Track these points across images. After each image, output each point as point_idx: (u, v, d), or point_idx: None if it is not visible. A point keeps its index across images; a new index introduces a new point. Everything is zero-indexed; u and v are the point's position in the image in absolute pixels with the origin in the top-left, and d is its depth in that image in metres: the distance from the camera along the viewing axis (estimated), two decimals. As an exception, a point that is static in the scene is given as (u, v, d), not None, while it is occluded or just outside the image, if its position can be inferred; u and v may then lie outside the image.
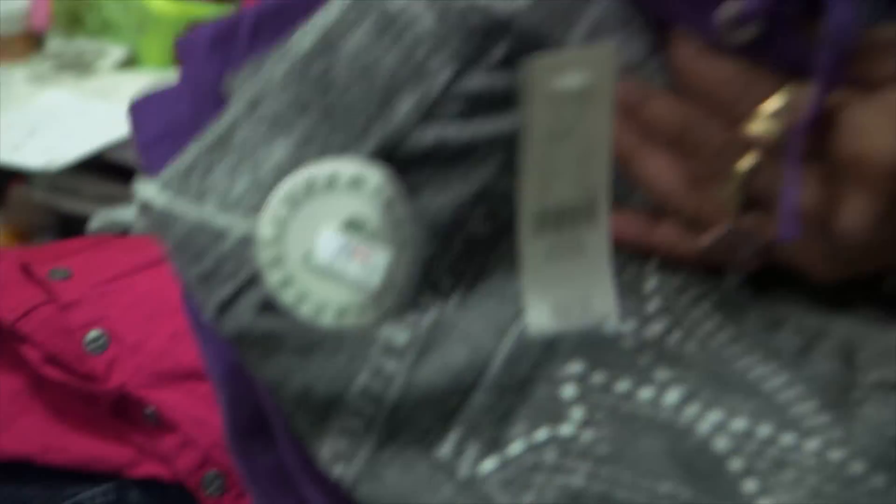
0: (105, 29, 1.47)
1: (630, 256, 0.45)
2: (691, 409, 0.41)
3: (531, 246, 0.40)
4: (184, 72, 0.50)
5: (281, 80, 0.42)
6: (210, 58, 0.49)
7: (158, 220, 0.43)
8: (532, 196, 0.39)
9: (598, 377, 0.42)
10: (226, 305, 0.43)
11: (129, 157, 1.09)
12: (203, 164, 0.43)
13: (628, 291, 0.44)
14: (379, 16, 0.42)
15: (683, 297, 0.44)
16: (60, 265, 0.89)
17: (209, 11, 1.51)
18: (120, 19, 1.46)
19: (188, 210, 0.43)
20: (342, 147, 0.42)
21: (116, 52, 1.44)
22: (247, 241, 0.42)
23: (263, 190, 0.42)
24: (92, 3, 1.47)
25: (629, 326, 0.43)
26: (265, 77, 0.43)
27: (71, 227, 1.14)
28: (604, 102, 0.38)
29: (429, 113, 0.43)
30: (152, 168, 0.48)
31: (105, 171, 1.16)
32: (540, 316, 0.40)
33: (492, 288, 0.44)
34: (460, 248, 0.44)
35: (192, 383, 0.83)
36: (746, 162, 0.42)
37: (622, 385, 0.42)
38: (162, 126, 0.49)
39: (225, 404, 0.50)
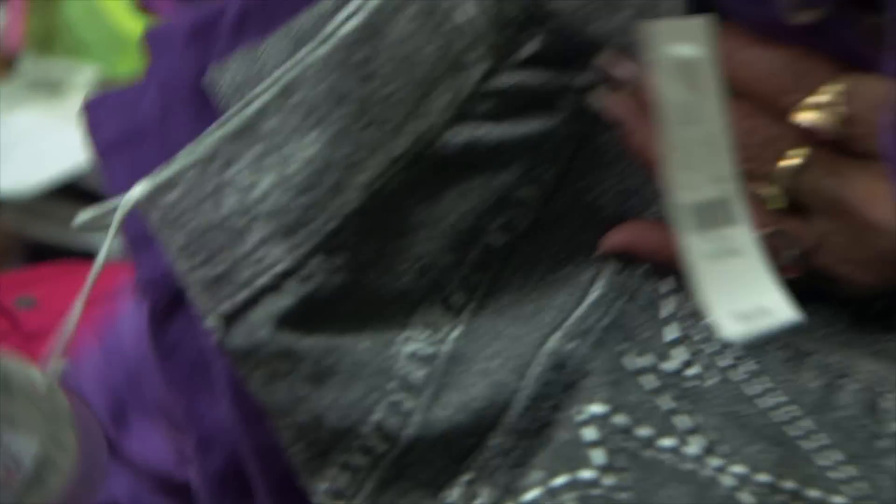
0: (78, 50, 1.46)
1: (644, 276, 0.42)
2: (714, 461, 0.39)
3: (695, 247, 0.37)
4: (152, 66, 0.46)
5: (320, 66, 0.38)
6: (186, 52, 0.44)
7: (165, 218, 0.39)
8: (681, 188, 0.37)
9: (619, 419, 0.40)
10: (237, 315, 0.39)
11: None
12: (224, 154, 0.38)
13: (644, 319, 0.42)
14: (424, 1, 0.39)
15: (700, 324, 0.42)
16: (27, 293, 0.87)
17: (183, 32, 1.50)
18: (93, 40, 1.44)
19: (204, 206, 0.38)
20: (374, 146, 0.39)
21: (88, 72, 1.43)
22: (268, 243, 0.39)
23: (291, 190, 0.38)
24: (65, 23, 1.46)
25: (648, 360, 0.41)
26: (301, 61, 0.39)
27: (41, 253, 1.13)
28: (717, 79, 0.36)
29: (461, 112, 0.40)
30: (114, 176, 0.45)
31: (77, 196, 1.14)
32: (727, 325, 0.38)
33: (504, 307, 0.42)
34: (475, 261, 0.42)
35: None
36: (794, 158, 0.39)
37: (643, 431, 0.40)
38: (123, 128, 0.45)
39: (197, 449, 0.47)
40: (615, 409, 0.40)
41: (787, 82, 0.39)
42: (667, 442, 0.40)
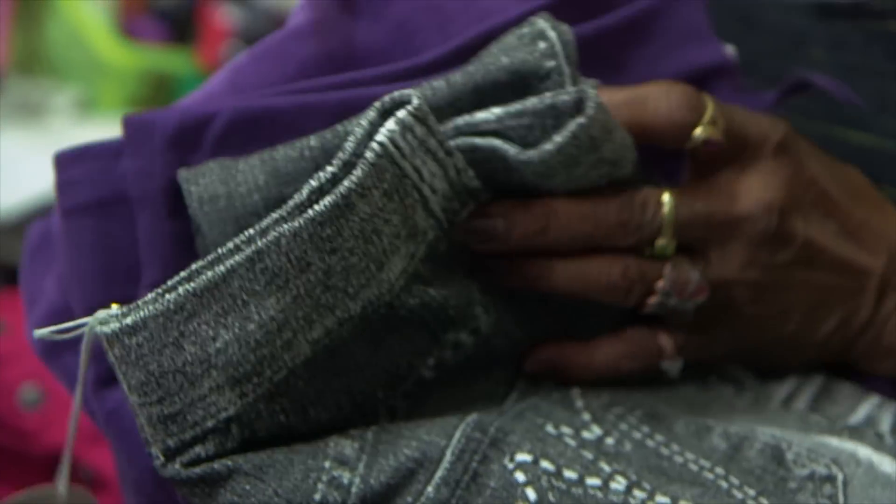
0: (60, 72, 1.46)
1: (556, 385, 0.46)
2: (640, 494, 0.42)
3: None
4: (129, 163, 0.46)
5: (290, 238, 0.40)
6: (163, 155, 0.45)
7: (125, 357, 0.40)
8: None
9: (546, 464, 0.42)
10: (181, 450, 0.41)
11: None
12: (189, 308, 0.40)
13: (560, 408, 0.45)
14: (394, 176, 0.41)
15: (610, 413, 0.45)
16: (-4, 318, 0.87)
17: (162, 58, 1.50)
18: (74, 63, 1.45)
19: (164, 352, 0.40)
20: (329, 308, 0.41)
21: (70, 94, 1.43)
22: (221, 391, 0.41)
23: (248, 345, 0.40)
24: (47, 46, 1.47)
25: (567, 430, 0.44)
26: (268, 230, 0.40)
27: (14, 277, 1.12)
28: None
29: (414, 275, 0.43)
30: (71, 235, 0.46)
31: (53, 218, 1.14)
32: None
33: (430, 412, 0.44)
34: (405, 390, 0.44)
35: (127, 443, 0.80)
36: (663, 202, 0.45)
37: (570, 473, 0.42)
38: (91, 198, 0.46)
39: None
40: (541, 457, 0.42)
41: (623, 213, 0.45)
42: (593, 481, 0.42)
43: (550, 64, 0.44)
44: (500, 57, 0.44)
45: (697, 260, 0.46)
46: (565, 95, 0.42)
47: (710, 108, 0.45)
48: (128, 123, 0.45)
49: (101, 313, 0.41)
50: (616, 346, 0.46)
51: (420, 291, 0.43)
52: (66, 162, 0.47)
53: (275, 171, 0.44)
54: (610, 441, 0.44)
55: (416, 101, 0.41)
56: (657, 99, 0.45)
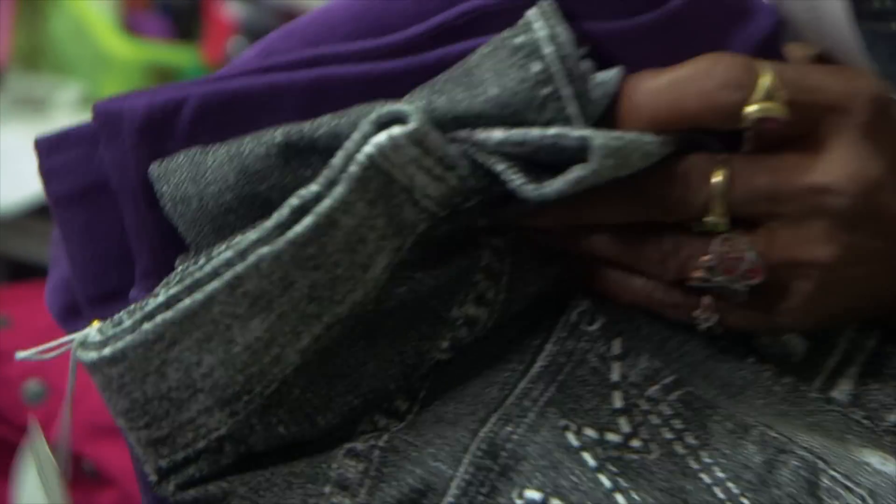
0: (63, 67, 1.46)
1: (595, 337, 0.44)
2: None
3: None
4: (105, 154, 0.43)
5: (269, 261, 0.38)
6: (136, 148, 0.42)
7: (108, 385, 0.39)
8: None
9: (556, 503, 0.40)
10: (175, 469, 0.40)
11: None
12: (169, 336, 0.38)
13: (593, 384, 0.43)
14: (380, 184, 0.39)
15: (644, 395, 0.43)
16: (1, 312, 0.87)
17: (167, 54, 1.50)
18: (77, 58, 1.44)
19: (148, 380, 0.39)
20: (315, 317, 0.39)
21: (73, 90, 1.43)
22: (210, 412, 0.39)
23: (234, 367, 0.39)
24: (50, 41, 1.46)
25: (590, 434, 0.42)
26: (247, 252, 0.38)
27: (21, 271, 1.12)
28: None
29: (398, 264, 0.41)
30: (63, 225, 0.44)
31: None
32: None
33: (448, 394, 0.43)
34: (421, 373, 0.43)
35: (131, 438, 0.80)
36: (718, 176, 0.41)
37: None
38: (76, 187, 0.44)
39: None
40: (552, 495, 0.40)
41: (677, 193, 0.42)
42: None
43: (545, 91, 0.40)
44: (489, 84, 0.40)
45: (758, 238, 0.42)
46: (568, 140, 0.39)
47: (765, 80, 0.40)
48: (97, 113, 0.43)
49: (82, 334, 0.40)
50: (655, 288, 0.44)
51: (405, 277, 0.41)
52: (48, 149, 0.45)
53: (243, 169, 0.41)
54: (636, 444, 0.42)
55: (414, 123, 0.38)
56: (699, 79, 0.41)
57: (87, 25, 1.42)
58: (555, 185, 0.39)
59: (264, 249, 0.38)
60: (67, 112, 1.42)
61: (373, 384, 0.42)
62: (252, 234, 0.38)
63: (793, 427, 0.43)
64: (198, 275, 0.39)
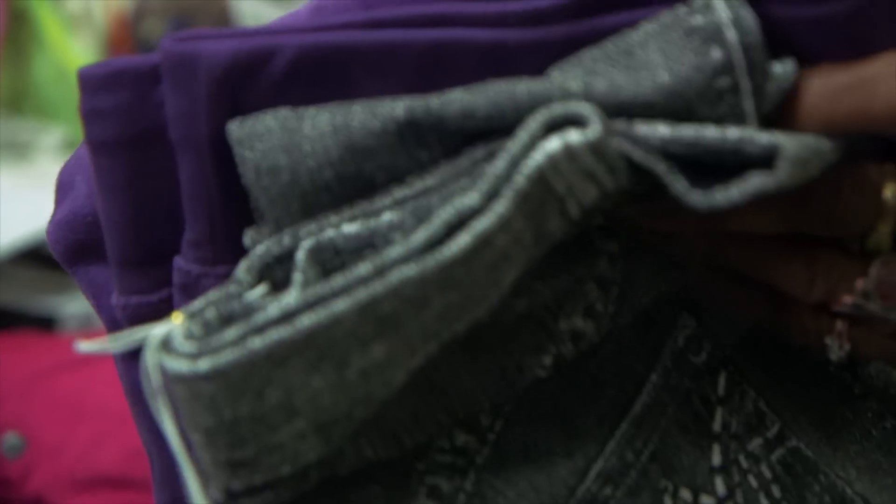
0: (47, 111, 1.45)
1: (699, 374, 0.39)
2: None
3: None
4: (169, 102, 0.37)
5: (413, 287, 0.33)
6: (211, 99, 0.36)
7: (192, 399, 0.34)
8: None
9: None
10: (246, 494, 0.35)
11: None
12: (280, 355, 0.33)
13: (693, 433, 0.39)
14: (539, 195, 0.34)
15: (744, 451, 0.39)
16: (-22, 364, 0.86)
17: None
18: (62, 101, 1.44)
19: (243, 399, 0.34)
20: (438, 335, 0.34)
21: (57, 134, 1.42)
22: (303, 438, 0.34)
23: (343, 392, 0.34)
24: (34, 84, 1.46)
25: (686, 498, 0.38)
26: (386, 270, 0.33)
27: (1, 319, 1.11)
28: None
29: (520, 278, 0.36)
30: (101, 174, 0.38)
31: (39, 261, 1.12)
32: None
33: (534, 433, 0.39)
34: (516, 392, 0.39)
35: (111, 491, 0.79)
36: (888, 190, 0.37)
37: None
38: (124, 133, 0.38)
39: None
40: None
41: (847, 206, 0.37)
42: None
43: (723, 83, 0.35)
44: (657, 69, 0.35)
45: None
46: (753, 147, 0.34)
47: None
48: (166, 55, 0.37)
49: (163, 329, 0.34)
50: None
51: (525, 287, 0.37)
52: (93, 86, 0.38)
53: (350, 145, 0.35)
54: None
55: (595, 129, 0.33)
56: (888, 80, 0.35)
57: (70, 69, 1.42)
58: (730, 195, 0.34)
59: (410, 270, 0.33)
60: (51, 156, 1.41)
61: (466, 401, 0.38)
62: (394, 251, 0.33)
63: (885, 490, 0.40)
64: (321, 290, 0.34)
